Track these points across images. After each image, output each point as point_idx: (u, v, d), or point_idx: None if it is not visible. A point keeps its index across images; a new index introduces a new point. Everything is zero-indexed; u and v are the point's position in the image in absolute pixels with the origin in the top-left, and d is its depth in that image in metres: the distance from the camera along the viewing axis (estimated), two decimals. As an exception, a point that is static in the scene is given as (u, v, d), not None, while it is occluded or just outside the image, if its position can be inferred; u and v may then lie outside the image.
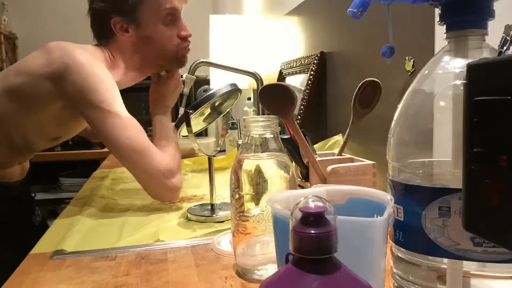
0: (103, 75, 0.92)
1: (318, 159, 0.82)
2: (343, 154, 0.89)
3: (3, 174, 1.09)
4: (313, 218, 0.28)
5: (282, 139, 0.60)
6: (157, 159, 0.93)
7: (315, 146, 1.10)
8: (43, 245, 0.76)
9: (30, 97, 0.94)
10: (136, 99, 2.98)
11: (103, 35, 1.02)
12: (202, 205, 0.96)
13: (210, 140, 1.66)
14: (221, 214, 0.88)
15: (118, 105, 0.92)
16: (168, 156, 0.96)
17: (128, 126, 0.92)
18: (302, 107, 1.33)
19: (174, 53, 1.05)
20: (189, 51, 1.08)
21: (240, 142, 1.03)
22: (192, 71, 1.15)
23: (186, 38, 1.06)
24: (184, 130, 0.90)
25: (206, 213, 0.90)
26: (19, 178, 1.15)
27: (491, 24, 0.41)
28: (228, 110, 1.05)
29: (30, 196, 1.31)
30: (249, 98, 1.90)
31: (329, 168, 0.78)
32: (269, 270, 0.57)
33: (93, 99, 0.89)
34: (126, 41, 1.01)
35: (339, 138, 1.10)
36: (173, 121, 1.03)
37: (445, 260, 0.41)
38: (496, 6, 0.41)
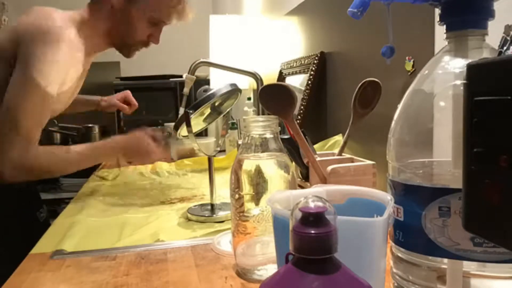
0: (59, 53, 0.94)
1: (318, 159, 0.82)
2: (343, 154, 0.89)
3: None
4: (313, 218, 0.28)
5: (282, 139, 0.60)
6: (18, 150, 0.90)
7: (315, 146, 1.10)
8: (43, 245, 0.76)
9: (7, 55, 0.96)
10: (136, 99, 2.99)
11: None
12: (202, 205, 0.96)
13: (210, 140, 1.66)
14: (221, 214, 0.88)
15: (50, 80, 0.93)
16: (35, 157, 0.93)
17: (36, 102, 0.91)
18: (302, 107, 1.33)
19: (132, 44, 1.11)
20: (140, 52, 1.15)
21: (240, 142, 1.03)
22: (192, 71, 1.15)
23: (149, 43, 1.13)
24: (184, 130, 0.90)
25: (206, 213, 0.90)
26: None
27: (491, 24, 0.41)
28: (228, 110, 1.05)
29: (35, 192, 1.31)
30: (249, 98, 1.90)
31: (329, 168, 0.78)
32: (269, 270, 0.57)
33: (32, 62, 0.91)
34: (108, 7, 1.05)
35: (339, 138, 1.10)
36: (173, 121, 1.03)
37: (445, 260, 0.41)
38: (496, 6, 0.41)
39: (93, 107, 1.45)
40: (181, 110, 1.08)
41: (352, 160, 0.87)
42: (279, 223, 0.43)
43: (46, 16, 0.95)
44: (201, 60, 1.17)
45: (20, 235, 1.07)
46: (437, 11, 0.43)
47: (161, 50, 3.36)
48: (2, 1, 3.17)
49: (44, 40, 0.92)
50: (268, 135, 0.58)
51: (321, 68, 1.29)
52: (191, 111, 0.86)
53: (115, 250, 0.72)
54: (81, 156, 1.00)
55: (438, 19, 0.43)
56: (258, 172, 0.58)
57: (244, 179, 0.58)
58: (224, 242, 0.73)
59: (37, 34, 0.92)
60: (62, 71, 0.97)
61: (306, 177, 0.88)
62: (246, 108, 1.81)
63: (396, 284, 0.46)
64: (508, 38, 0.50)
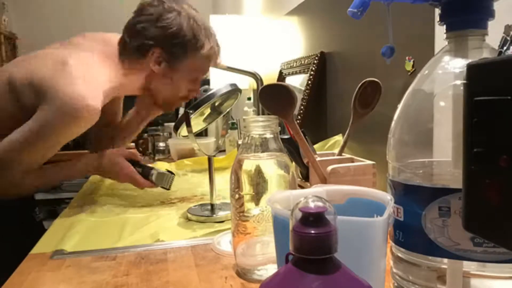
0: (75, 125, 0.91)
1: (318, 159, 0.82)
2: (343, 154, 0.89)
3: None
4: (313, 218, 0.28)
5: (282, 139, 0.60)
6: (9, 180, 0.92)
7: (315, 146, 1.10)
8: (43, 245, 0.76)
9: (22, 98, 0.94)
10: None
11: (132, 52, 1.00)
12: (202, 205, 0.96)
13: (210, 140, 1.66)
14: (221, 214, 0.88)
15: (60, 142, 0.93)
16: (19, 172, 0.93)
17: (32, 147, 0.91)
18: (302, 107, 1.33)
19: (174, 103, 1.11)
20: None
21: (240, 142, 1.03)
22: (192, 71, 1.15)
23: (189, 96, 1.10)
24: (184, 130, 0.90)
25: (206, 213, 0.90)
26: None
27: (491, 24, 0.41)
28: (228, 110, 1.05)
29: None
30: (249, 98, 1.90)
31: (329, 168, 0.78)
32: (269, 270, 0.57)
33: (47, 125, 0.89)
34: (148, 70, 1.02)
35: (339, 138, 1.10)
36: (173, 121, 1.03)
37: (445, 260, 0.41)
38: (496, 6, 0.41)
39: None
40: (181, 110, 1.08)
41: (352, 160, 0.87)
42: (279, 223, 0.43)
43: (74, 90, 0.88)
44: (201, 60, 1.17)
45: (18, 236, 1.07)
46: (437, 11, 0.43)
47: (161, 50, 3.37)
48: (2, 1, 3.17)
49: (66, 117, 0.88)
50: (268, 135, 0.58)
51: (321, 68, 1.29)
52: (191, 111, 0.86)
53: (115, 250, 0.72)
54: (52, 179, 1.01)
55: (438, 19, 0.43)
56: (258, 172, 0.58)
57: (244, 179, 0.58)
58: (224, 242, 0.73)
59: (60, 106, 0.88)
60: (74, 136, 0.94)
61: (306, 177, 0.88)
62: (246, 108, 1.81)
63: (396, 284, 0.46)
64: (508, 38, 0.50)
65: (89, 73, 0.94)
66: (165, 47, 0.99)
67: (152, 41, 0.99)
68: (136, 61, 1.01)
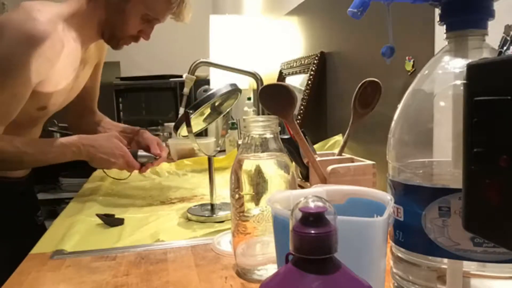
0: (34, 54, 0.90)
1: (318, 159, 0.82)
2: (343, 154, 0.89)
3: None
4: (313, 218, 0.28)
5: (282, 139, 0.60)
6: None
7: (315, 146, 1.10)
8: (43, 245, 0.76)
9: None
10: (136, 99, 2.99)
11: None
12: (202, 205, 0.96)
13: (210, 140, 1.66)
14: (221, 214, 0.88)
15: (20, 80, 0.90)
16: None
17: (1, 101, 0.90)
18: (302, 107, 1.33)
19: (121, 37, 1.08)
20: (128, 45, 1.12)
21: (240, 142, 1.04)
22: (192, 71, 1.15)
23: (139, 38, 1.10)
24: (184, 130, 0.90)
25: (206, 213, 0.90)
26: (23, 173, 1.16)
27: (491, 24, 0.41)
28: (228, 110, 1.05)
29: (34, 195, 1.32)
30: (249, 98, 1.90)
31: (329, 168, 0.78)
32: (269, 270, 0.57)
33: (3, 63, 0.89)
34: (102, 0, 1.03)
35: (339, 138, 1.10)
36: (173, 121, 1.03)
37: (445, 260, 0.41)
38: (496, 6, 0.41)
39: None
40: (181, 110, 1.08)
41: (352, 160, 0.87)
42: (279, 223, 0.43)
43: (27, 18, 0.90)
44: (201, 60, 1.17)
45: (20, 237, 1.07)
46: (437, 11, 0.43)
47: (161, 50, 3.38)
48: (2, 1, 3.17)
49: (23, 44, 0.88)
50: (268, 135, 0.58)
51: (321, 68, 1.29)
52: (191, 111, 0.86)
53: (115, 250, 0.72)
54: (39, 155, 0.98)
55: (438, 19, 0.43)
56: (258, 172, 0.58)
57: (244, 179, 0.58)
58: (224, 242, 0.73)
59: (16, 38, 0.88)
60: (39, 70, 0.93)
61: (306, 177, 0.88)
62: (246, 108, 1.81)
63: (396, 284, 0.46)
64: (508, 38, 0.50)
65: (41, 4, 0.94)
66: None
67: None
68: None
